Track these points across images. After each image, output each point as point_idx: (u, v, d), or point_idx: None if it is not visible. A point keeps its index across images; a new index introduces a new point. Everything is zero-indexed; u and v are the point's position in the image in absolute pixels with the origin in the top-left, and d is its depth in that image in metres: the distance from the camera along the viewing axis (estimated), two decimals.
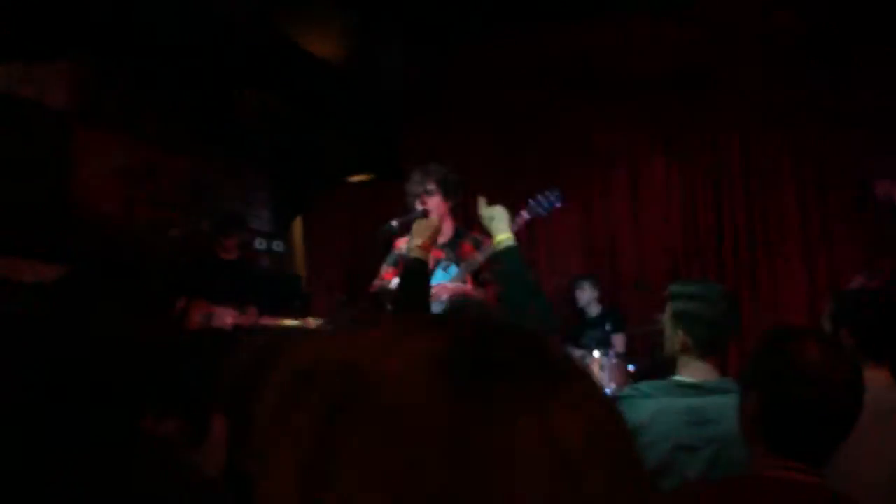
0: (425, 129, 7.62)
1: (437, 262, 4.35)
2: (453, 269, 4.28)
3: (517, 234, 4.39)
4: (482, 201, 3.21)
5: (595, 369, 5.57)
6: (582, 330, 6.57)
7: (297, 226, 8.24)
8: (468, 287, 4.23)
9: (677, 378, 2.54)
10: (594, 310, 6.71)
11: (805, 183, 6.44)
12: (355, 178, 8.09)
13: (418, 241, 3.04)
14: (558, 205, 4.41)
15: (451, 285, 4.20)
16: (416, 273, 2.98)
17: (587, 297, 6.72)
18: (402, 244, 4.42)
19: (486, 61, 6.98)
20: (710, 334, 2.50)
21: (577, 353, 5.70)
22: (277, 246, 7.86)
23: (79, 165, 5.72)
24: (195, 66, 6.03)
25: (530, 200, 4.39)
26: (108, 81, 5.97)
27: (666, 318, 2.60)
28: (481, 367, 0.54)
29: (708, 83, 6.75)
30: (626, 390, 2.69)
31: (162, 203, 6.12)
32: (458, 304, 2.58)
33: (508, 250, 2.95)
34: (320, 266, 8.22)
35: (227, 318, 5.35)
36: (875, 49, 6.07)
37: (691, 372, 2.52)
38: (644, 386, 2.57)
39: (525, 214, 4.32)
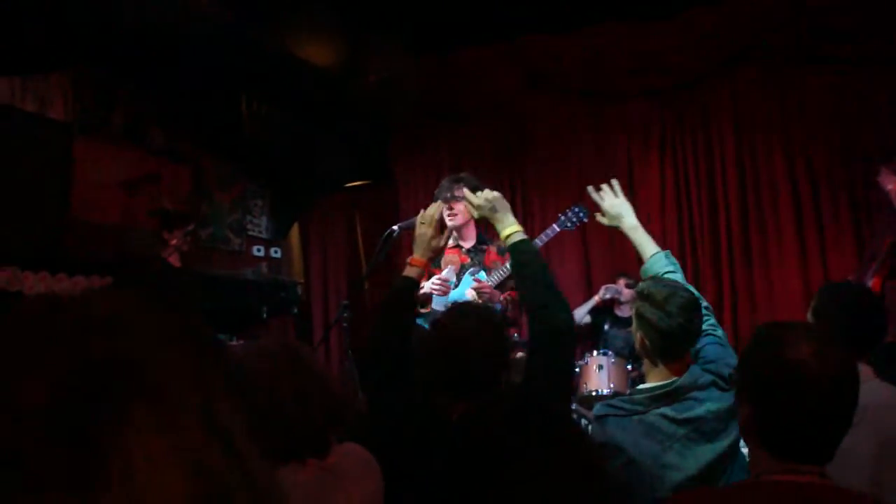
0: (419, 135, 7.67)
1: (463, 267, 4.45)
2: (482, 276, 4.36)
3: (545, 248, 4.50)
4: (467, 192, 3.04)
5: (592, 369, 5.61)
6: (605, 328, 6.32)
7: (295, 232, 8.30)
8: (498, 294, 4.28)
9: (647, 385, 2.52)
10: (626, 310, 6.26)
11: (799, 181, 6.48)
12: (351, 184, 8.15)
13: (416, 254, 2.88)
14: (585, 220, 4.59)
15: (486, 284, 4.27)
16: (402, 291, 2.80)
17: (629, 294, 6.18)
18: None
19: (480, 68, 7.03)
20: (663, 344, 2.47)
21: (602, 355, 5.64)
22: (275, 252, 7.92)
23: (79, 176, 5.76)
24: (193, 77, 6.07)
25: (560, 216, 4.57)
26: (107, 93, 6.01)
27: (633, 313, 2.60)
28: None
29: (700, 87, 6.81)
30: (600, 408, 2.59)
31: (161, 212, 6.16)
32: (456, 308, 2.52)
33: (523, 243, 2.74)
34: (318, 271, 8.27)
35: None
36: (868, 49, 6.15)
37: (657, 376, 2.50)
38: (620, 402, 2.54)
39: (556, 228, 4.51)
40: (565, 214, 4.62)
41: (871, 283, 4.56)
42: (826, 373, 1.60)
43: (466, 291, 4.31)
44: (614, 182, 3.15)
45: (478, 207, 2.90)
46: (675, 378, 2.46)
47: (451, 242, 4.52)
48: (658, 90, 6.91)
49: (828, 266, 6.33)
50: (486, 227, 4.24)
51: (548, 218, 6.10)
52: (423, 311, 4.25)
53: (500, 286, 4.31)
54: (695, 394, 2.41)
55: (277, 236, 8.01)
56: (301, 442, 1.84)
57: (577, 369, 5.79)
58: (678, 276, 2.75)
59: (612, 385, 5.43)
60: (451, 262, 4.44)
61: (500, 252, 4.39)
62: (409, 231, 4.66)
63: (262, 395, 1.79)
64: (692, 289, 2.67)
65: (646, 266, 2.89)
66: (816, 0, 6.10)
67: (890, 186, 4.76)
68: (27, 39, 5.07)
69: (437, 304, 4.25)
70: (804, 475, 1.60)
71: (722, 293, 6.62)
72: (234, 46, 5.74)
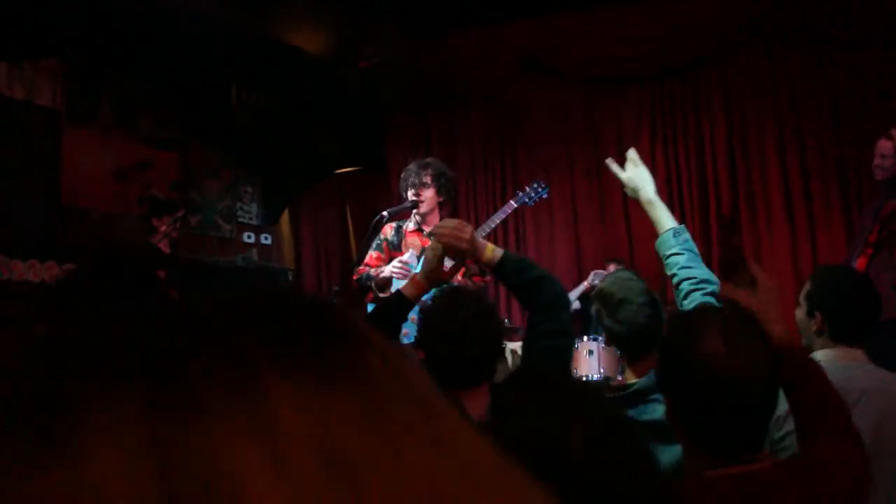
0: (411, 121, 7.66)
1: (424, 251, 4.45)
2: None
3: (504, 222, 4.50)
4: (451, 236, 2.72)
5: (583, 355, 5.62)
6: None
7: (285, 219, 8.28)
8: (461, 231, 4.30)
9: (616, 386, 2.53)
10: None
11: (789, 165, 6.49)
12: (342, 171, 8.13)
13: (420, 273, 2.74)
14: (545, 195, 4.62)
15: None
16: (393, 308, 2.66)
17: None
18: (388, 230, 4.55)
19: (473, 53, 7.01)
20: (620, 348, 2.49)
21: (592, 340, 5.61)
22: (266, 239, 7.91)
23: (69, 163, 5.73)
24: (183, 64, 6.04)
25: (518, 192, 4.59)
26: (96, 80, 5.98)
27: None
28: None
29: (692, 71, 6.81)
30: None
31: (151, 199, 6.14)
32: (446, 292, 2.46)
33: (507, 255, 2.64)
34: (309, 258, 8.26)
35: None
36: (859, 32, 6.16)
37: (627, 375, 2.50)
38: None
39: (513, 203, 4.51)
40: (524, 190, 4.60)
41: (857, 263, 4.56)
42: (737, 366, 1.55)
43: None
44: (630, 152, 3.01)
45: (472, 252, 2.67)
46: (635, 381, 2.45)
47: (412, 226, 4.54)
48: (650, 75, 6.90)
49: (817, 250, 6.35)
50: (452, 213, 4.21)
51: (539, 203, 6.10)
52: (381, 295, 4.25)
53: (458, 267, 4.30)
54: (657, 395, 2.32)
55: (268, 223, 7.99)
56: None
57: None
58: (683, 259, 2.60)
59: (602, 370, 5.44)
60: (413, 246, 4.43)
61: None
62: (397, 217, 4.69)
63: None
64: (702, 267, 2.56)
65: (656, 244, 2.73)
66: None
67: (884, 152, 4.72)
68: (15, 26, 5.03)
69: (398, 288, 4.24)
70: (740, 465, 1.56)
71: None
72: (224, 33, 5.71)
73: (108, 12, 5.11)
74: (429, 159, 4.51)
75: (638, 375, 2.46)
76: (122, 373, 0.37)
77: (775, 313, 1.90)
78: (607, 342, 2.58)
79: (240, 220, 7.65)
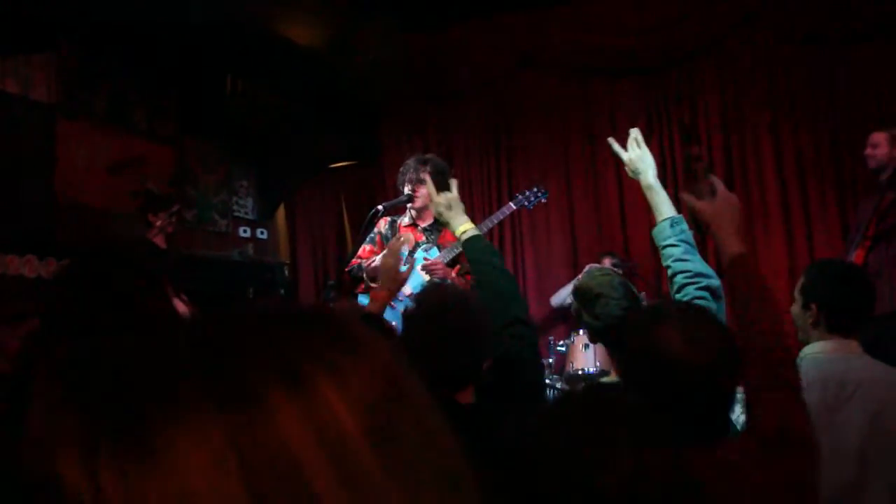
0: (407, 114, 7.64)
1: (418, 245, 4.50)
2: (434, 252, 4.42)
3: (501, 224, 4.52)
4: (430, 185, 3.01)
5: (579, 348, 5.63)
6: None
7: (281, 213, 8.28)
8: (451, 271, 4.34)
9: (604, 380, 2.56)
10: None
11: (785, 160, 6.48)
12: (338, 165, 8.13)
13: (378, 289, 2.83)
14: (544, 200, 4.69)
15: (438, 262, 4.33)
16: None
17: None
18: (382, 224, 4.58)
19: (469, 47, 7.00)
20: (602, 342, 2.52)
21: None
22: (261, 233, 7.90)
23: (63, 158, 5.71)
24: (178, 57, 6.03)
25: (517, 195, 4.65)
26: (91, 74, 5.96)
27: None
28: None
29: (688, 65, 6.81)
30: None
31: (147, 193, 6.13)
32: (434, 286, 2.45)
33: (475, 239, 2.72)
34: (305, 252, 8.26)
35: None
36: (856, 27, 6.16)
37: (612, 374, 2.55)
38: None
39: (512, 206, 4.58)
40: (523, 194, 4.71)
41: (854, 256, 4.59)
42: (694, 357, 1.59)
43: (418, 268, 4.33)
44: (633, 131, 2.95)
45: (436, 204, 2.86)
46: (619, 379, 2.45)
47: (407, 221, 4.60)
48: (646, 69, 6.89)
49: (814, 248, 6.36)
50: None
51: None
52: (372, 285, 4.26)
53: (452, 263, 4.37)
54: None
55: (263, 217, 7.99)
56: None
57: (563, 349, 5.82)
58: (678, 251, 2.58)
59: (598, 363, 5.44)
60: (405, 239, 4.47)
61: None
62: (392, 211, 4.71)
63: None
64: (697, 259, 2.56)
65: (653, 232, 2.73)
66: None
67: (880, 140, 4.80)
68: (8, 19, 5.01)
69: None
70: (698, 456, 1.55)
71: None
72: (219, 26, 5.69)
73: (102, 5, 5.09)
74: (428, 155, 4.57)
75: (617, 373, 2.47)
76: (195, 381, 0.44)
77: (732, 224, 1.94)
78: (591, 339, 2.58)
79: (236, 214, 7.64)
